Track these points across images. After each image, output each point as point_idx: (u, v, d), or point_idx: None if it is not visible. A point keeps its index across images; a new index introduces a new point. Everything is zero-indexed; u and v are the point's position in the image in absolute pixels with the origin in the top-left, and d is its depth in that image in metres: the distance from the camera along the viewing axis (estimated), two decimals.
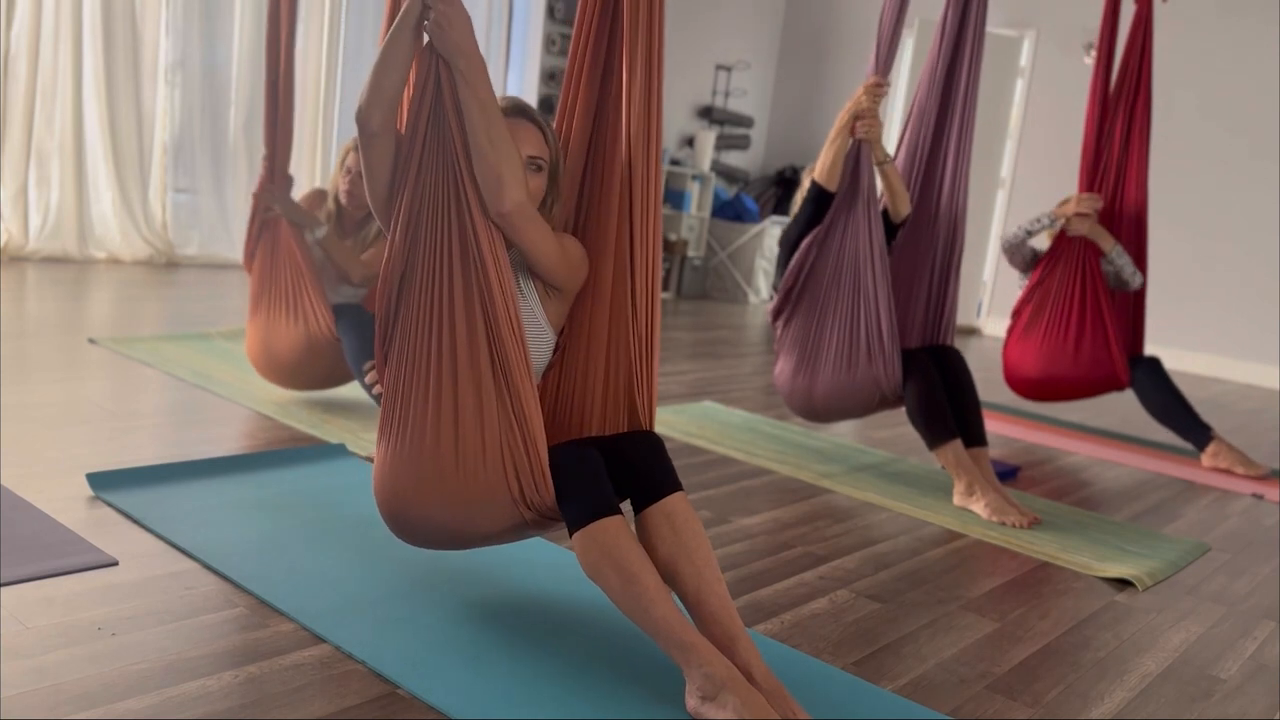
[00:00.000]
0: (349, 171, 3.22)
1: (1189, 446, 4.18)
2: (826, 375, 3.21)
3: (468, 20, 1.67)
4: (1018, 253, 4.06)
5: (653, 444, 1.79)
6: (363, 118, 1.70)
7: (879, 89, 3.10)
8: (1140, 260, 4.14)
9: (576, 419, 1.91)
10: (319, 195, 3.37)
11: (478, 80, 1.67)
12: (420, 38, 1.70)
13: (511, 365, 1.71)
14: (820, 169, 3.18)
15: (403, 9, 1.68)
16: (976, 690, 1.92)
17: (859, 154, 3.14)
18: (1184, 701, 1.99)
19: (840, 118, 3.14)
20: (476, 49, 1.68)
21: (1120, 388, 4.05)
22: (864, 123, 3.11)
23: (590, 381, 1.89)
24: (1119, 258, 3.95)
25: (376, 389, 2.99)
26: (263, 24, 5.90)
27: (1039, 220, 3.98)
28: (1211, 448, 3.98)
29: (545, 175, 1.86)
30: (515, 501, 1.74)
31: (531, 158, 1.82)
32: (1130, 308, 4.17)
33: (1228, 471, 3.94)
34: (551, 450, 1.77)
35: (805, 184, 3.28)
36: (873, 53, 3.13)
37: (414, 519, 1.79)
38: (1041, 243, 4.17)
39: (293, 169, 3.33)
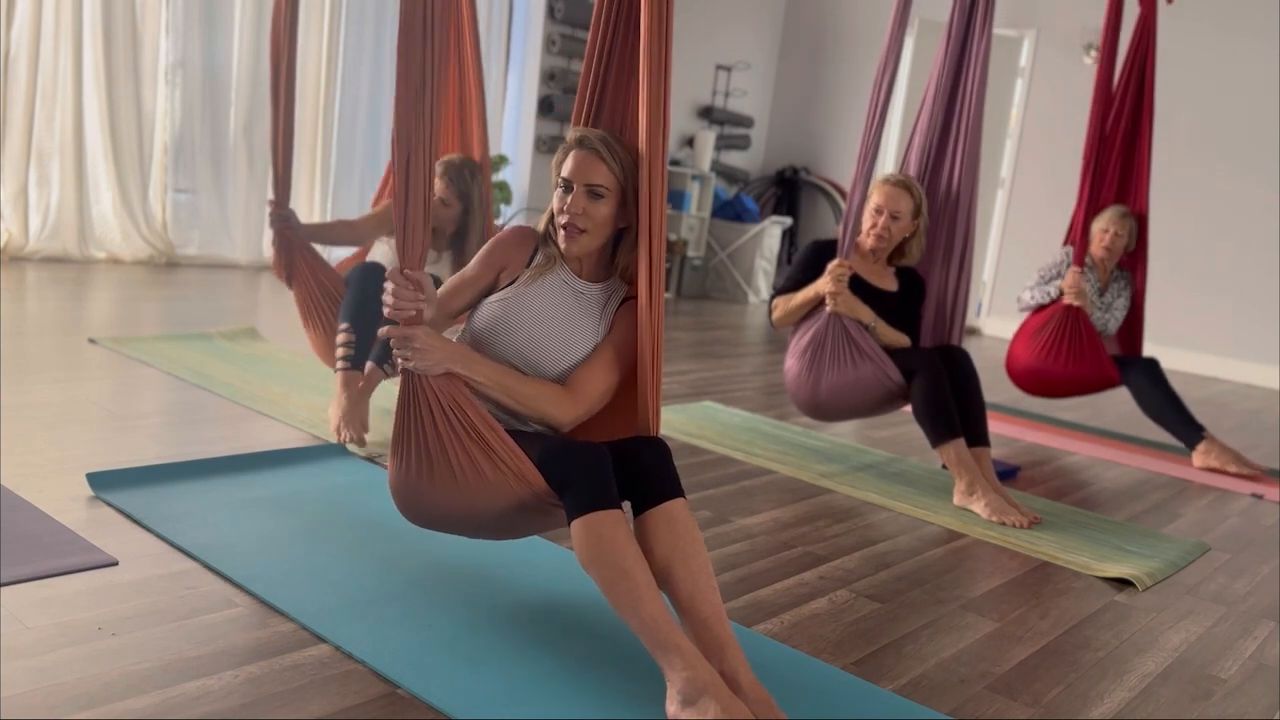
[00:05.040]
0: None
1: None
2: (832, 373, 3.22)
3: (434, 339, 1.72)
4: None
5: (660, 449, 1.81)
6: None
7: (841, 270, 3.14)
8: (1141, 260, 4.17)
9: (585, 424, 1.99)
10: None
11: (476, 371, 1.77)
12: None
13: (489, 441, 1.75)
14: (783, 315, 3.29)
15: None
16: (976, 690, 1.93)
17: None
18: (1184, 701, 1.99)
19: (807, 293, 3.21)
20: (458, 350, 1.76)
21: (1115, 385, 4.09)
22: (835, 304, 3.15)
23: None
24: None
25: (339, 351, 2.99)
26: (263, 24, 5.95)
27: (1048, 293, 4.10)
28: (1202, 446, 4.00)
29: (613, 200, 1.90)
30: (520, 494, 1.78)
31: (590, 186, 1.88)
32: (1128, 314, 4.22)
33: (1219, 470, 3.95)
34: (560, 440, 1.80)
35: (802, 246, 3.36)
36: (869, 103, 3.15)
37: (426, 514, 1.86)
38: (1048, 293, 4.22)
39: (293, 176, 3.30)
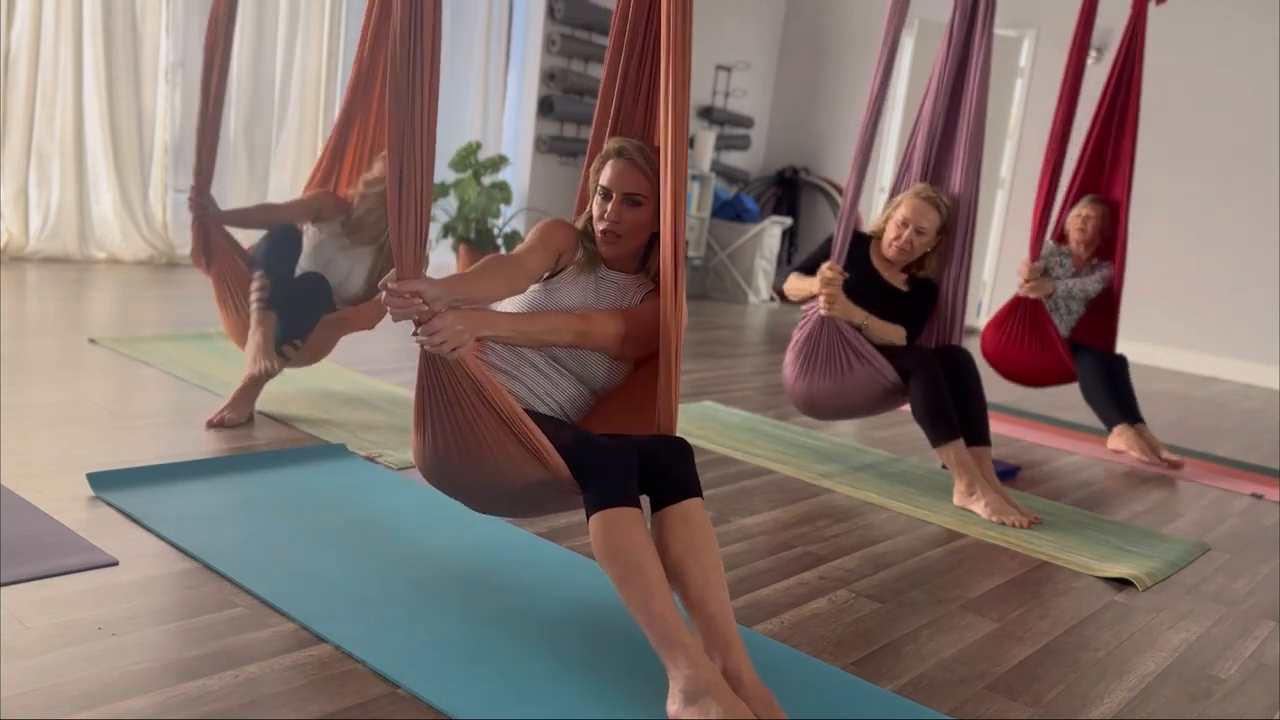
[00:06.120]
0: (368, 187, 3.30)
1: (1188, 446, 4.19)
2: (826, 373, 3.22)
3: (458, 321, 1.68)
4: None
5: (683, 449, 1.83)
6: None
7: (832, 275, 3.14)
8: (1119, 256, 4.18)
9: (604, 421, 2.04)
10: (329, 197, 3.38)
11: (498, 328, 1.83)
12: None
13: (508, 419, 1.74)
14: (791, 289, 3.32)
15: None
16: (976, 690, 1.93)
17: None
18: (1184, 701, 1.99)
19: (809, 288, 3.23)
20: (478, 317, 1.76)
21: (1073, 376, 4.13)
22: (830, 308, 3.14)
23: (621, 385, 2.06)
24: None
25: (255, 295, 3.10)
26: (263, 24, 5.95)
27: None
28: (1118, 429, 4.04)
29: (650, 207, 2.00)
30: (543, 475, 1.79)
31: (628, 194, 1.98)
32: (1103, 309, 4.23)
33: (1124, 453, 4.01)
34: (589, 434, 1.83)
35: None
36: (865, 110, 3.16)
37: (451, 484, 1.89)
38: None
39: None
